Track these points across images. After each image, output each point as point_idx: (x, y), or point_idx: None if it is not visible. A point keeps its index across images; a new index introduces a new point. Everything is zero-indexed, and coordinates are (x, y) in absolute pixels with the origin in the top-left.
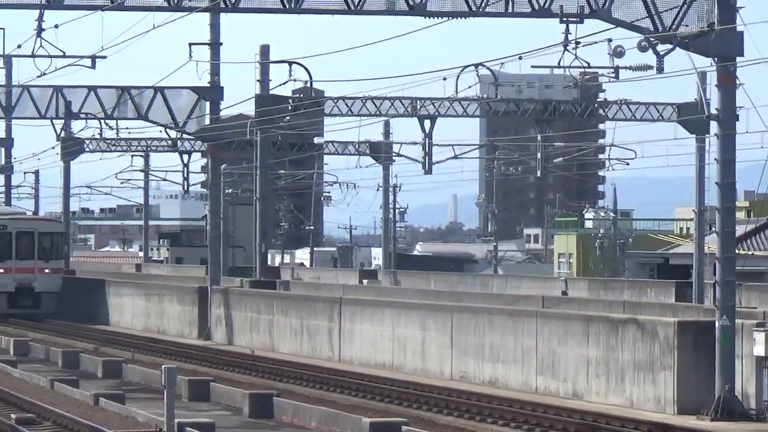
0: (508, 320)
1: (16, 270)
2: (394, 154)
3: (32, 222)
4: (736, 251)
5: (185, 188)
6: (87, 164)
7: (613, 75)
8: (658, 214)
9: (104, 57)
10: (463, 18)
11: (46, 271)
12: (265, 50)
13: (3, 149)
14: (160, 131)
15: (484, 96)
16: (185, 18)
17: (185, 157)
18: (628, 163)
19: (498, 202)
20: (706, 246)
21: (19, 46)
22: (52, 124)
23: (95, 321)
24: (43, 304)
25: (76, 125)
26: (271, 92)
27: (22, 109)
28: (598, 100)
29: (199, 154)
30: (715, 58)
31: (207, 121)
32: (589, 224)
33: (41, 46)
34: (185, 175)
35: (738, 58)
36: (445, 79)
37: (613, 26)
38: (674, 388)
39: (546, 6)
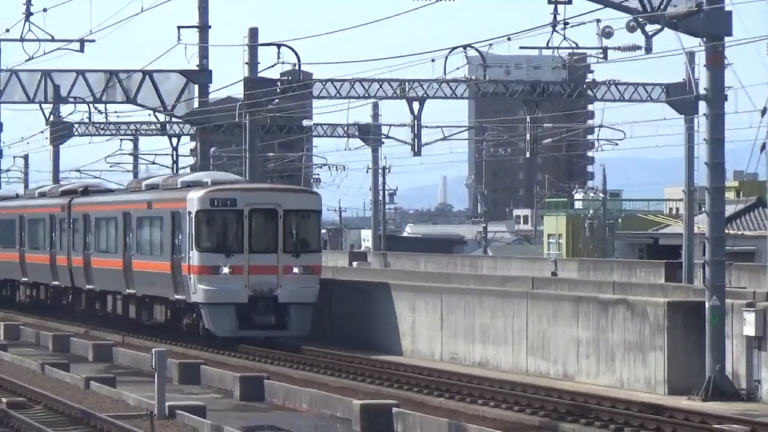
0: (498, 301)
1: (250, 270)
2: (383, 136)
3: (275, 194)
4: (726, 231)
5: (174, 171)
6: (76, 148)
7: (602, 55)
8: (648, 195)
9: (93, 41)
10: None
11: (296, 270)
12: (253, 33)
13: None
14: (149, 115)
15: (473, 77)
16: (173, 1)
17: (174, 140)
18: (617, 144)
19: (487, 184)
20: (695, 226)
21: (7, 30)
22: (41, 108)
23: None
24: (291, 323)
25: (65, 109)
26: (259, 75)
27: (11, 93)
28: (586, 80)
29: (188, 137)
30: (704, 38)
31: (196, 104)
32: (578, 205)
33: (30, 30)
34: (174, 159)
35: (726, 38)
36: (433, 60)
37: (602, 6)
38: (665, 368)
39: None
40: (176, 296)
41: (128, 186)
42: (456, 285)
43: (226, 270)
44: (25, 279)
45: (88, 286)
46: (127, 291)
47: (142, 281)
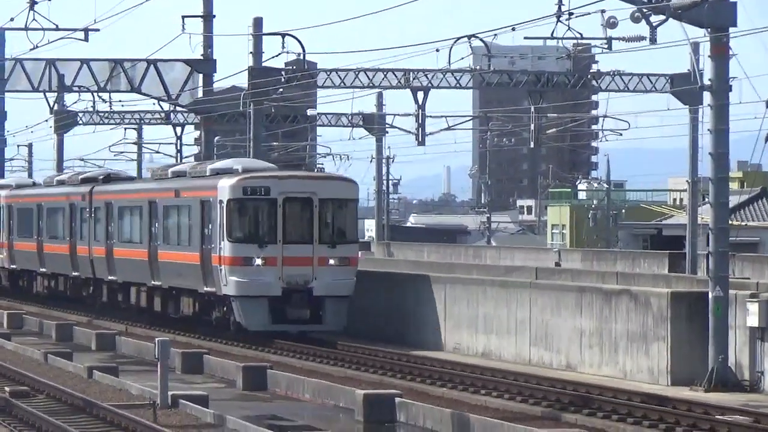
0: (501, 291)
1: (284, 261)
2: (387, 125)
3: (310, 182)
4: (730, 222)
5: (179, 160)
6: (80, 137)
7: (606, 46)
8: (652, 185)
9: (97, 30)
10: None
11: (332, 262)
12: (258, 22)
13: None
14: (153, 104)
15: (477, 67)
16: None
17: (178, 129)
18: (621, 134)
19: (491, 174)
20: (699, 217)
21: (11, 20)
22: (45, 97)
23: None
24: (327, 317)
25: (69, 98)
26: (264, 64)
27: (15, 82)
28: (591, 71)
29: (193, 126)
30: (708, 29)
31: (200, 93)
32: (582, 195)
33: (34, 19)
34: (178, 148)
35: (731, 29)
36: (438, 50)
37: None
38: (668, 358)
39: None
40: (205, 288)
41: (153, 174)
42: (459, 275)
43: (258, 261)
44: (43, 270)
45: (110, 278)
46: (153, 283)
47: (168, 273)
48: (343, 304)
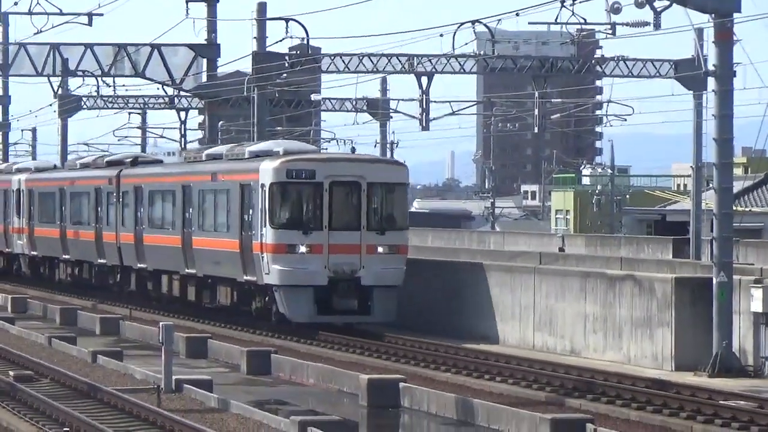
0: (505, 276)
1: (330, 249)
2: (391, 110)
3: (358, 165)
4: (734, 207)
5: (182, 145)
6: (84, 121)
7: (610, 31)
8: (656, 171)
9: (101, 14)
10: None
11: (380, 250)
12: (261, 7)
13: (0, 106)
14: (158, 88)
15: (481, 53)
16: None
17: (182, 114)
18: (625, 119)
19: (495, 159)
20: (703, 202)
21: (16, 3)
22: (49, 81)
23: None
24: (375, 308)
25: (73, 82)
26: (268, 49)
27: (19, 66)
28: (595, 56)
29: (197, 111)
30: (712, 14)
31: (204, 78)
32: (586, 181)
33: (38, 3)
34: (182, 132)
35: (735, 14)
36: (441, 35)
37: None
38: (672, 344)
39: None
40: (245, 277)
41: (186, 156)
42: (464, 260)
43: (303, 249)
44: (67, 256)
45: (139, 265)
46: (186, 271)
47: (204, 260)
48: (392, 294)
